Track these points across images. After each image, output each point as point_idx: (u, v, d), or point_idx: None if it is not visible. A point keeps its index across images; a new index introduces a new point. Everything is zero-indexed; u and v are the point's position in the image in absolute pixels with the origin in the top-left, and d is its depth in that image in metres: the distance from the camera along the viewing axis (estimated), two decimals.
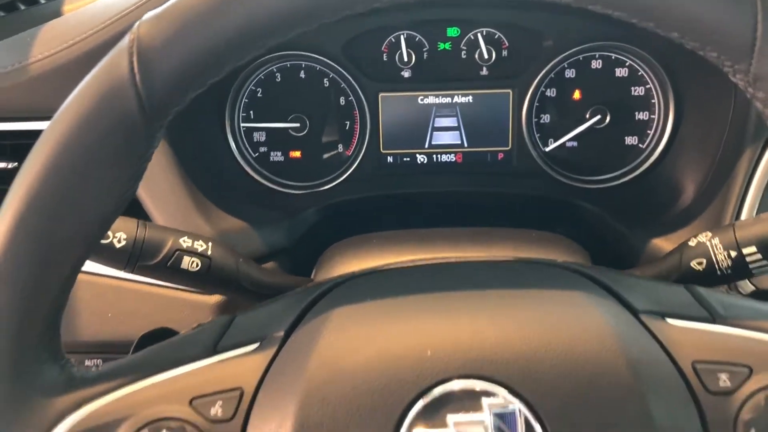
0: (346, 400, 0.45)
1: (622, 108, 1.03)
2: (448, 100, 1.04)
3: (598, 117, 1.02)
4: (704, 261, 0.70)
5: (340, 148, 1.05)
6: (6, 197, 0.46)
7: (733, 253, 0.69)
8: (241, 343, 0.52)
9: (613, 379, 0.46)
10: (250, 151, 1.05)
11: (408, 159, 1.06)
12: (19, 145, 0.88)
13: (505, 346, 0.47)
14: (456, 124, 1.04)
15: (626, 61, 1.02)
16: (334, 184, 1.05)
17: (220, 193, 0.94)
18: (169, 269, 0.70)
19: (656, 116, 1.03)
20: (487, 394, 0.45)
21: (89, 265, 0.81)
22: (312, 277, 0.84)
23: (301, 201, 1.03)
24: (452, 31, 1.03)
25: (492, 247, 0.83)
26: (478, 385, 0.45)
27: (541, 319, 0.49)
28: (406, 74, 1.04)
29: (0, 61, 0.87)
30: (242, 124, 1.04)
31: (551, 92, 1.04)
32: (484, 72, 1.03)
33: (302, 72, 1.03)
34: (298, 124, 1.04)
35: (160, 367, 0.50)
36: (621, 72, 1.02)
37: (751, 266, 0.69)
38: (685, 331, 0.50)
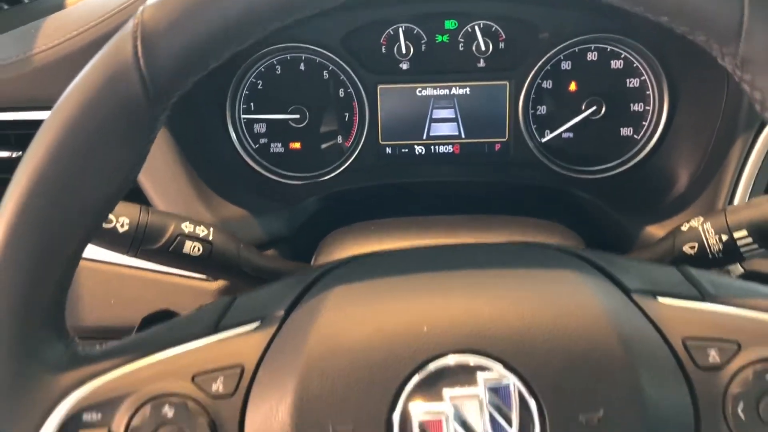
0: (345, 374, 0.46)
1: (618, 99, 1.03)
2: (445, 91, 1.05)
3: (594, 108, 1.03)
4: (696, 245, 0.71)
5: (340, 139, 1.06)
6: (12, 179, 0.47)
7: (725, 237, 0.70)
8: (242, 321, 0.52)
9: (605, 355, 0.47)
10: (251, 142, 1.06)
11: (406, 150, 1.07)
12: (23, 135, 0.88)
13: (500, 322, 0.48)
14: (454, 116, 1.05)
15: (621, 53, 1.03)
16: (333, 174, 1.05)
17: (221, 183, 0.94)
18: (171, 254, 0.71)
19: (651, 107, 1.04)
20: (482, 368, 0.46)
21: (92, 252, 0.83)
22: (312, 263, 0.85)
23: (301, 191, 1.03)
24: (450, 24, 1.03)
25: (489, 234, 0.84)
26: (473, 359, 0.46)
27: (535, 296, 0.50)
28: (405, 66, 1.05)
29: (4, 52, 0.88)
30: (243, 116, 1.05)
31: (547, 84, 1.04)
32: (482, 64, 1.04)
33: (302, 64, 1.04)
34: (297, 116, 1.05)
35: (162, 345, 0.51)
36: (616, 64, 1.03)
37: (741, 250, 0.70)
38: (676, 309, 0.51)
